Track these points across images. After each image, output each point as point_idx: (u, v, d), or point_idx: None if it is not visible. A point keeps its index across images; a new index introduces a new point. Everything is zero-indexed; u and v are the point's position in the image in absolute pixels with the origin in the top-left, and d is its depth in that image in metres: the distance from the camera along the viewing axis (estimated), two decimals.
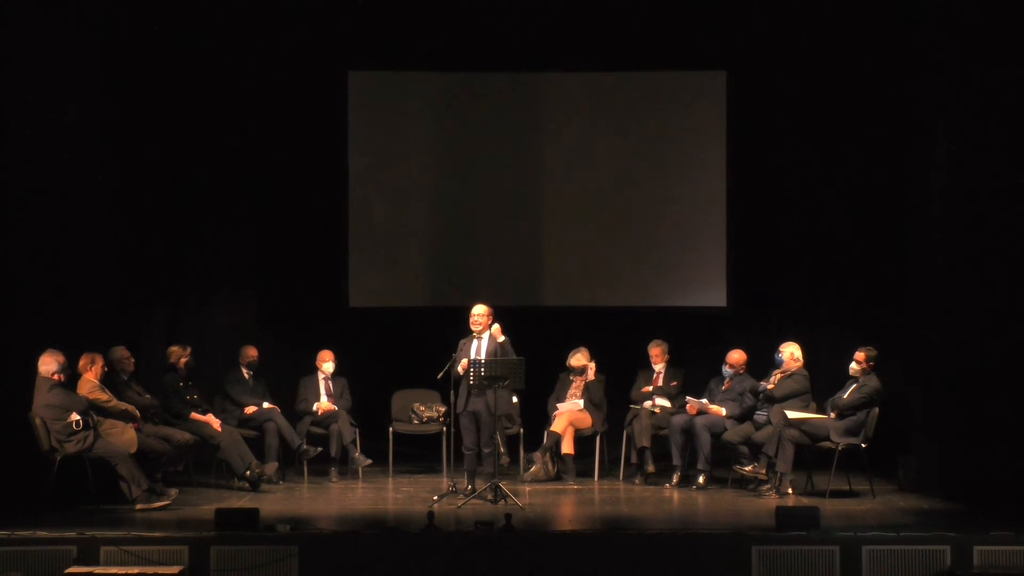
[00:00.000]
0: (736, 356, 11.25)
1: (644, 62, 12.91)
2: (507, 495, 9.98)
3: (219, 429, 10.89)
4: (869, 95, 12.23)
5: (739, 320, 12.80)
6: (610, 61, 12.87)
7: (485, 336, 10.41)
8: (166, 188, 12.55)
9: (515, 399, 11.32)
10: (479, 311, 10.45)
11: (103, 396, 10.02)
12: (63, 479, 9.68)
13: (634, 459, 11.35)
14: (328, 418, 11.52)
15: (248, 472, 10.72)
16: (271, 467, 10.97)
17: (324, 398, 11.68)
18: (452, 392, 10.46)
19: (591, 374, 11.63)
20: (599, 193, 13.05)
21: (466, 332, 10.50)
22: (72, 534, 8.57)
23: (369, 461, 11.41)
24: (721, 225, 12.94)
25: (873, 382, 10.51)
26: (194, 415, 10.94)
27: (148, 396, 10.66)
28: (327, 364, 11.75)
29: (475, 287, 12.42)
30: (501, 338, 10.36)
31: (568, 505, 10.35)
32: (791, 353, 10.92)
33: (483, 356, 10.26)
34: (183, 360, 11.14)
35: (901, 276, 11.90)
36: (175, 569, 8.35)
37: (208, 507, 9.55)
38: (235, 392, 11.48)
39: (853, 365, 10.61)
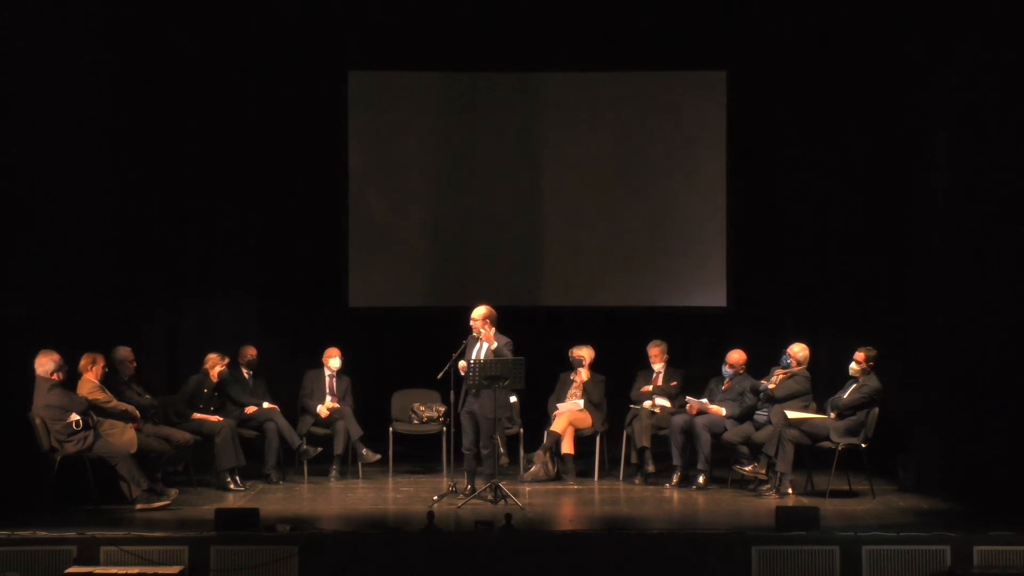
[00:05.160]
0: (736, 356, 11.25)
1: (644, 62, 12.92)
2: (507, 495, 9.98)
3: (219, 420, 10.89)
4: (869, 95, 12.23)
5: (739, 320, 12.80)
6: (610, 61, 12.87)
7: (487, 334, 10.41)
8: (167, 188, 12.56)
9: (515, 399, 11.33)
10: (473, 314, 10.45)
11: (103, 396, 10.02)
12: (63, 479, 9.68)
13: (634, 459, 11.34)
14: (332, 415, 11.52)
15: (231, 471, 10.69)
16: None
17: (328, 398, 11.68)
18: (452, 392, 10.47)
19: (585, 374, 11.62)
20: (599, 193, 13.06)
21: (467, 332, 10.51)
22: (72, 534, 8.58)
23: (378, 456, 11.39)
24: (721, 225, 12.95)
25: (873, 382, 10.51)
26: (195, 415, 10.93)
27: (148, 396, 10.67)
28: (334, 360, 11.74)
29: (475, 287, 12.41)
30: (494, 345, 10.34)
31: (568, 505, 10.35)
32: (797, 353, 10.91)
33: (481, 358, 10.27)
34: (218, 368, 11.12)
35: (901, 276, 11.91)
36: (175, 569, 8.35)
37: (208, 507, 9.55)
38: (235, 392, 11.47)
39: (853, 365, 10.62)
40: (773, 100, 12.76)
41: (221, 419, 10.94)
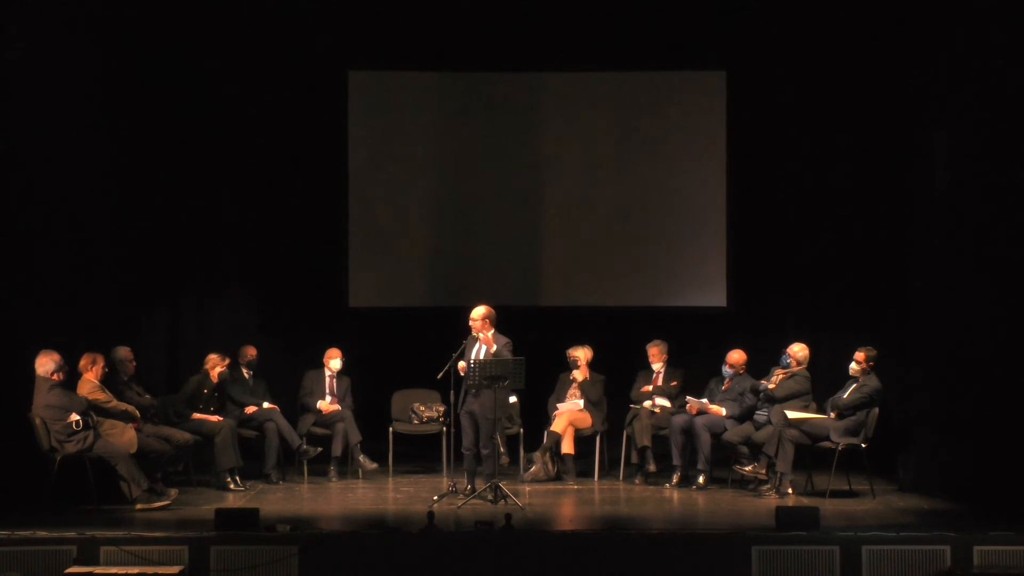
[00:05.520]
0: (736, 356, 11.25)
1: (644, 62, 12.92)
2: (507, 495, 9.98)
3: (219, 420, 10.89)
4: (870, 95, 12.23)
5: (739, 320, 12.79)
6: (610, 61, 12.86)
7: (486, 337, 10.40)
8: (167, 188, 12.55)
9: (515, 399, 11.32)
10: (472, 314, 10.44)
11: (103, 396, 10.02)
12: (63, 479, 9.68)
13: (634, 459, 11.34)
14: (333, 417, 11.52)
15: (231, 471, 10.69)
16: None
17: (328, 398, 11.67)
18: (452, 392, 10.46)
19: (581, 374, 11.60)
20: (599, 193, 13.06)
21: (467, 332, 10.51)
22: (72, 534, 8.57)
23: (374, 465, 11.39)
24: (721, 225, 12.95)
25: (873, 382, 10.51)
26: (195, 415, 10.93)
27: (148, 396, 10.67)
28: (334, 361, 11.74)
29: (475, 287, 12.42)
30: (494, 347, 10.34)
31: (568, 505, 10.35)
32: (797, 353, 10.90)
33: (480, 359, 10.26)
34: (218, 369, 11.12)
35: (902, 276, 11.90)
36: (175, 569, 8.35)
37: (208, 507, 9.55)
38: (235, 392, 11.47)
39: (853, 365, 10.62)
40: (773, 100, 12.75)
41: (221, 419, 10.94)
